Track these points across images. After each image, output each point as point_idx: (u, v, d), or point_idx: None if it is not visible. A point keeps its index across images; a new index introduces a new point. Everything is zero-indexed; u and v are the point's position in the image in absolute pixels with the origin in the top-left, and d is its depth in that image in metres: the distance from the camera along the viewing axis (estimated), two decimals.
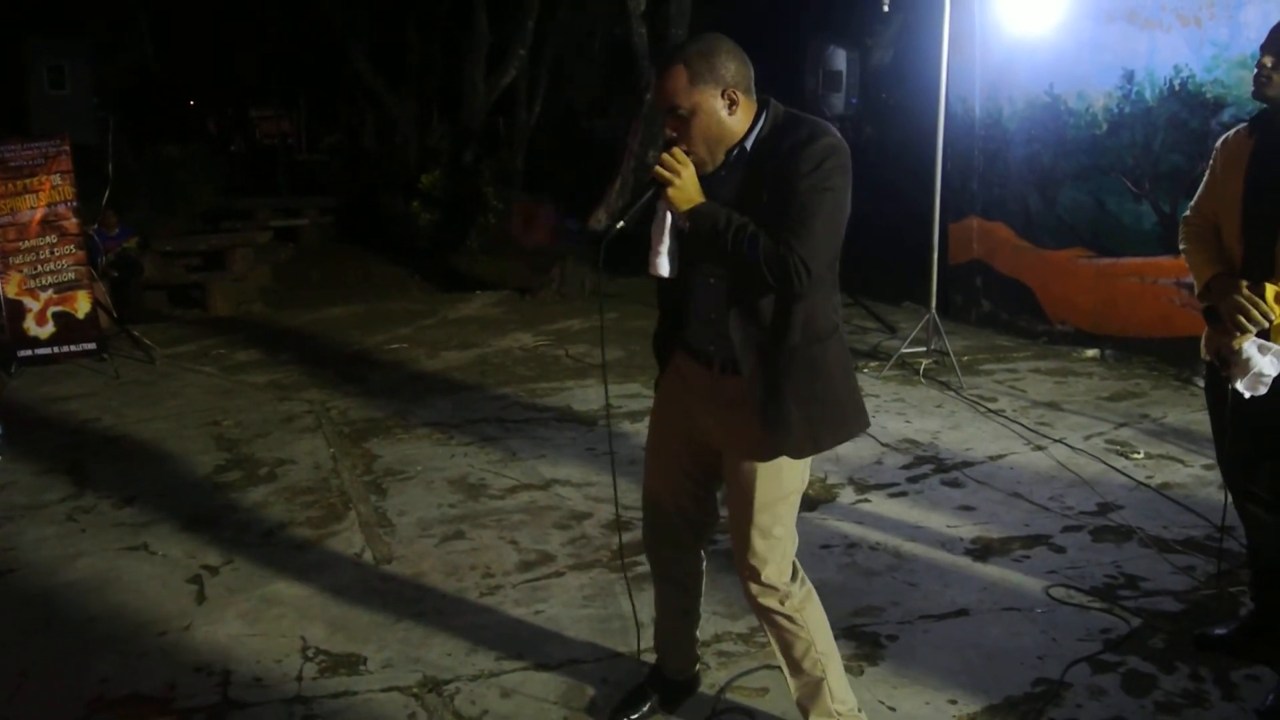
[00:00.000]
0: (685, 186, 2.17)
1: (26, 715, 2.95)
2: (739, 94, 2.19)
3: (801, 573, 2.49)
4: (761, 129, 2.21)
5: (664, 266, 2.28)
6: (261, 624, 3.44)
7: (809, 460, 2.40)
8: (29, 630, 3.47)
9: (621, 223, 2.24)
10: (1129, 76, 6.66)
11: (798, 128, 2.17)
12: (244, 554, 4.03)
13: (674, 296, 2.44)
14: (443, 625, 3.38)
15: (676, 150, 2.18)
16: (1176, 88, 6.39)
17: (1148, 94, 6.56)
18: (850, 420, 2.39)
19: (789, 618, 2.43)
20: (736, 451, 2.40)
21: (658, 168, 2.18)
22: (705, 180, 2.22)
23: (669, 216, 2.24)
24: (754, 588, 2.43)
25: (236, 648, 3.27)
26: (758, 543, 2.39)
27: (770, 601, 2.43)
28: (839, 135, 2.17)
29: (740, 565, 2.46)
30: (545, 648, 3.21)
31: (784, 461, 2.34)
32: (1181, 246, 3.05)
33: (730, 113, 2.18)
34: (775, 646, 2.50)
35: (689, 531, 2.64)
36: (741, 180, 2.22)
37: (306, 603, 3.58)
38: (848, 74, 7.96)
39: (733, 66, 2.18)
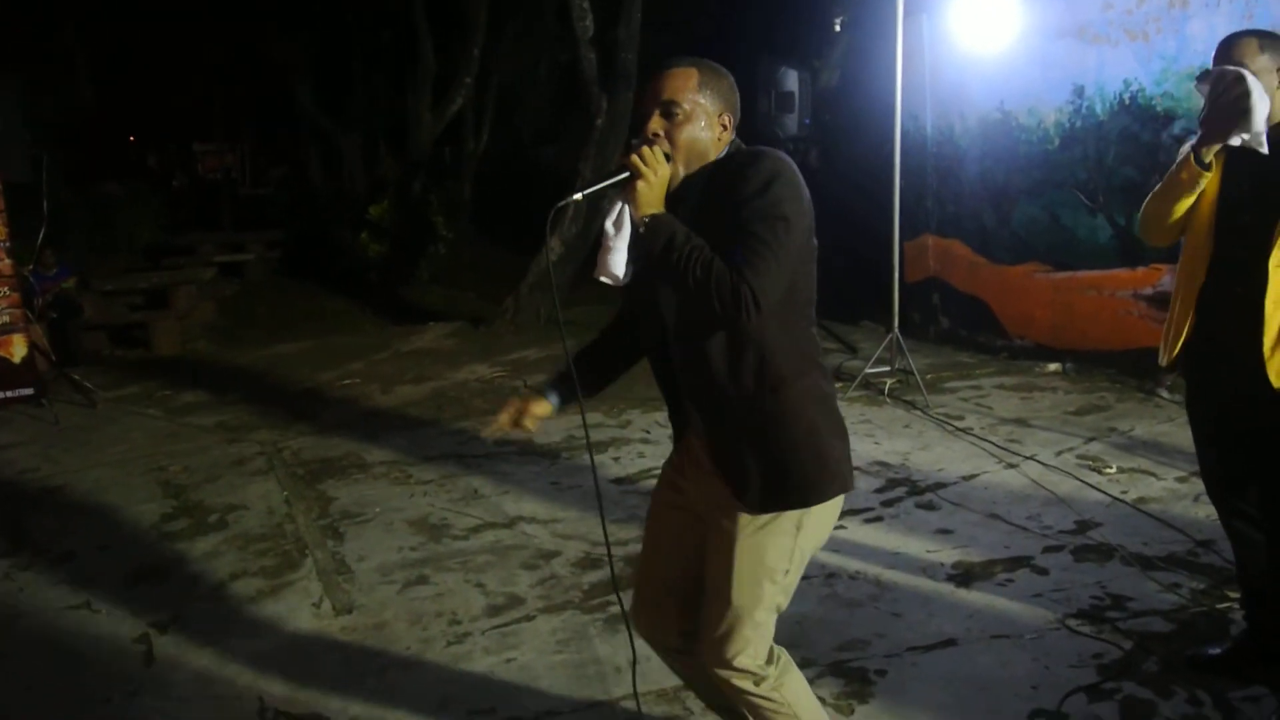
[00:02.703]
0: (656, 187, 2.02)
1: None
2: (730, 123, 2.12)
3: (777, 650, 2.26)
4: (720, 160, 2.12)
5: (619, 265, 2.08)
6: (215, 685, 3.23)
7: (800, 538, 2.15)
8: None
9: (579, 195, 2.08)
10: (1079, 91, 6.69)
11: (749, 156, 2.07)
12: (194, 609, 3.81)
13: (663, 373, 2.24)
14: (409, 679, 3.20)
15: (658, 149, 2.04)
16: (1127, 101, 6.43)
17: (1098, 108, 6.60)
18: (821, 480, 2.13)
19: (766, 698, 2.20)
20: (712, 512, 2.20)
21: (634, 156, 2.01)
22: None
23: (628, 214, 2.06)
24: (723, 673, 2.19)
25: (187, 714, 3.07)
26: (734, 624, 2.16)
27: (744, 684, 2.19)
28: (792, 165, 2.04)
29: (708, 645, 2.21)
30: (519, 699, 3.04)
31: (767, 535, 2.13)
32: (1143, 214, 2.96)
33: (718, 136, 2.10)
34: None
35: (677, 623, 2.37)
36: (693, 209, 2.07)
37: (263, 660, 3.38)
38: (800, 95, 7.95)
39: (736, 98, 2.14)
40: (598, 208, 6.11)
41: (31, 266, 8.63)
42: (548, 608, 3.64)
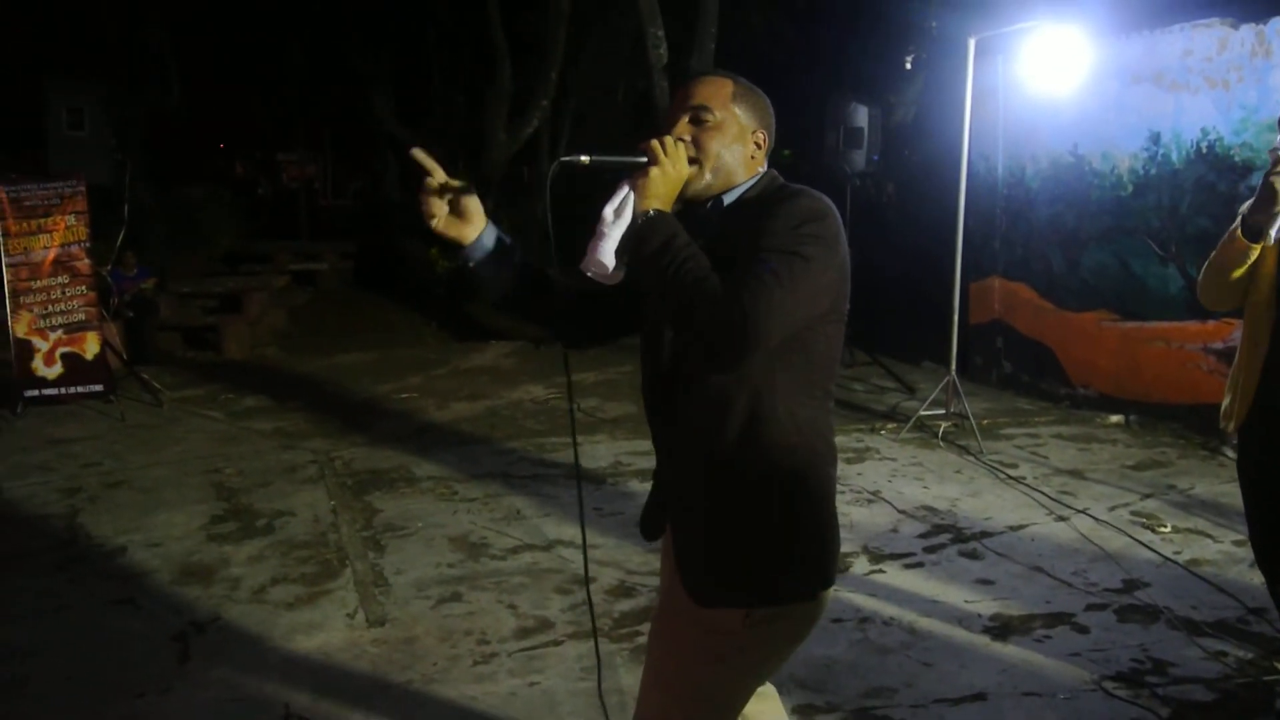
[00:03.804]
0: (670, 181, 1.81)
1: None
2: (764, 142, 1.92)
3: None
4: (749, 190, 1.89)
5: (609, 257, 1.82)
6: (244, 688, 3.29)
7: (759, 635, 1.84)
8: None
9: (587, 159, 1.84)
10: (1155, 138, 6.55)
11: (786, 192, 1.84)
12: (233, 611, 3.89)
13: None
14: (433, 696, 3.22)
15: (683, 145, 1.85)
16: (1204, 150, 6.27)
17: (1174, 156, 6.45)
18: (782, 581, 1.83)
19: None
20: (668, 577, 1.99)
21: (654, 141, 1.82)
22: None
23: (631, 201, 1.83)
24: None
25: (214, 715, 3.13)
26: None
27: None
28: (835, 212, 1.80)
29: None
30: None
31: (711, 626, 1.85)
32: (1201, 280, 2.88)
33: (749, 155, 1.89)
34: None
35: None
36: (711, 240, 1.83)
37: (293, 666, 3.43)
38: (869, 131, 7.90)
39: (771, 120, 1.95)
40: None
41: (110, 267, 8.93)
42: (576, 633, 3.64)
